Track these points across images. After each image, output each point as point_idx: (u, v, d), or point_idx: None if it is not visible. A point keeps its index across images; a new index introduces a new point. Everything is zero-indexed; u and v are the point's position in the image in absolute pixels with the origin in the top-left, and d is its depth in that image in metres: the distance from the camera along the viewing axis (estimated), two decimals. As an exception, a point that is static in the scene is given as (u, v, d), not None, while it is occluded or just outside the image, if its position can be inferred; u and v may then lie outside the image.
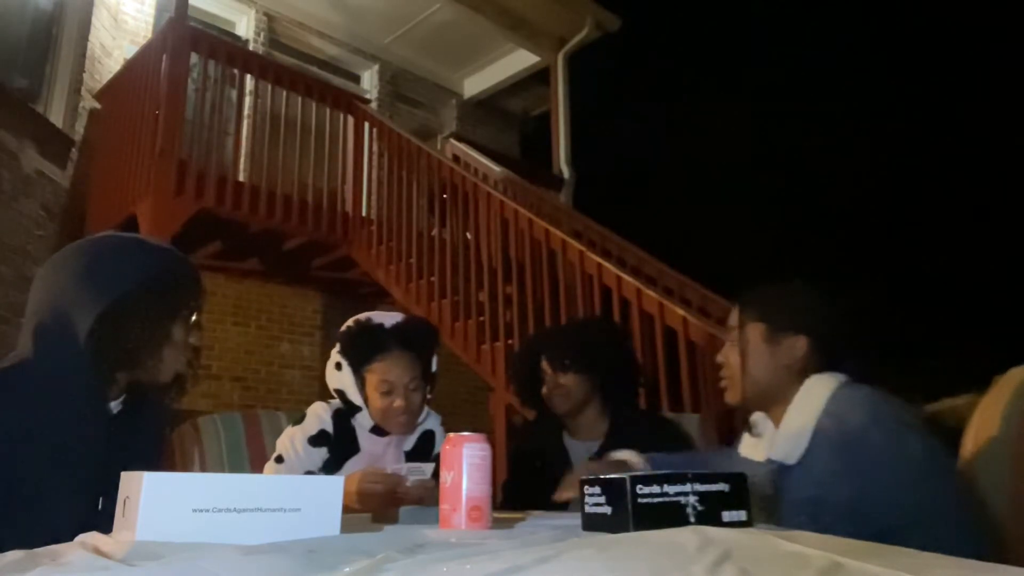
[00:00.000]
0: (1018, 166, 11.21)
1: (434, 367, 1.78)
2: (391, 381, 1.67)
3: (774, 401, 1.31)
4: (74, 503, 1.08)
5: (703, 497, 0.90)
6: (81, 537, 0.78)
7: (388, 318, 1.77)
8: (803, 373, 1.28)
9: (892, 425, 1.17)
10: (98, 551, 0.68)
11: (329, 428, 1.72)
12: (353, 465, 1.70)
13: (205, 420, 2.11)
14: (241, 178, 4.60)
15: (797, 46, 12.94)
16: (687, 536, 0.76)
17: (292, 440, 1.71)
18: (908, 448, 1.14)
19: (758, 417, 1.37)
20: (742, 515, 0.92)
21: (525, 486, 1.92)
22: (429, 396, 1.78)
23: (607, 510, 0.92)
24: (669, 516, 0.87)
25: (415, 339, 1.74)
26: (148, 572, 0.60)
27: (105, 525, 0.81)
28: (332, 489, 0.85)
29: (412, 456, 1.75)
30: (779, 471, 1.27)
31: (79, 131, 4.81)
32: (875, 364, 1.29)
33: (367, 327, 1.74)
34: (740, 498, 0.93)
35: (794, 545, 0.71)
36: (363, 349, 1.71)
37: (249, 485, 0.81)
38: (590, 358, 1.95)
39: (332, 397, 1.80)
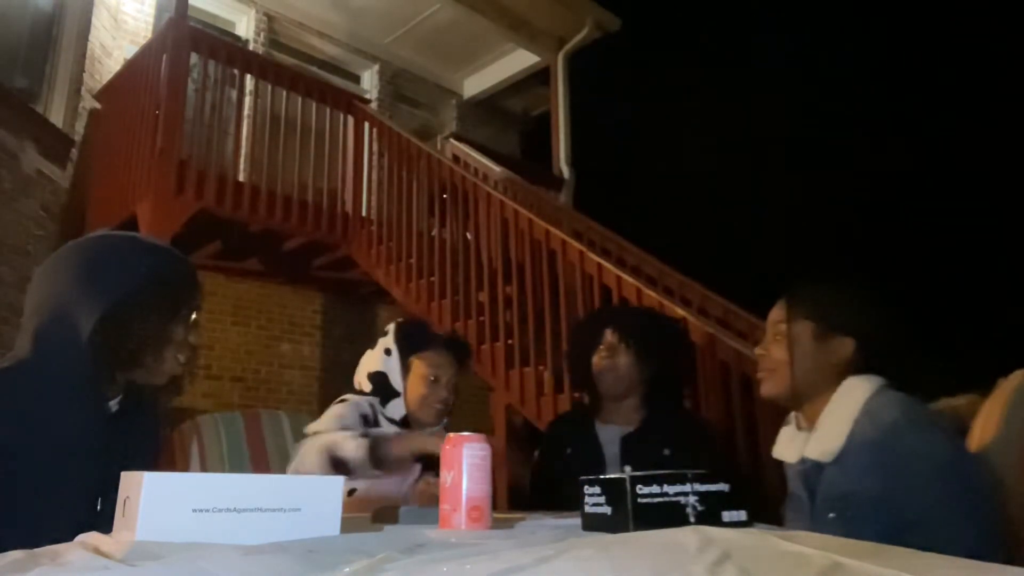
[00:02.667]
0: (1021, 164, 11.21)
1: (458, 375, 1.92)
2: (439, 371, 1.85)
3: (810, 399, 1.31)
4: (74, 503, 1.08)
5: (703, 497, 0.90)
6: (81, 537, 0.78)
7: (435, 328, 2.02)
8: (844, 374, 1.29)
9: (923, 424, 1.19)
10: (98, 551, 0.68)
11: (369, 414, 1.81)
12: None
13: (205, 419, 2.11)
14: (241, 178, 4.60)
15: (798, 45, 12.94)
16: (687, 536, 0.76)
17: (344, 413, 1.77)
18: (935, 446, 1.16)
19: (794, 416, 1.38)
20: (742, 515, 0.92)
21: (554, 479, 1.91)
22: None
23: (607, 510, 0.92)
24: (669, 516, 0.87)
25: (459, 348, 1.95)
26: (148, 572, 0.60)
27: (105, 525, 0.81)
28: (332, 489, 0.85)
29: (421, 459, 1.78)
30: (812, 471, 1.28)
31: (79, 131, 4.81)
32: (918, 370, 1.30)
33: (422, 323, 2.00)
34: (740, 498, 0.93)
35: (794, 545, 0.71)
36: (418, 340, 1.89)
37: (249, 485, 0.81)
38: (654, 347, 1.96)
39: (336, 400, 1.86)
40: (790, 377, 1.33)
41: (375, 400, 1.85)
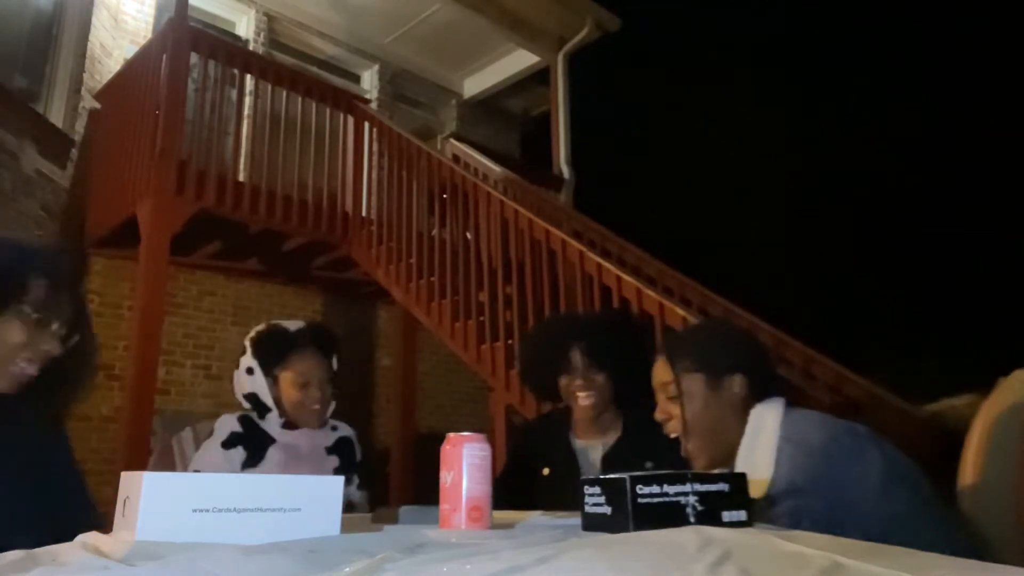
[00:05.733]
0: (1021, 165, 11.21)
1: (335, 366, 1.92)
2: (306, 376, 1.84)
3: (733, 447, 1.29)
4: None
5: (703, 497, 0.90)
6: (81, 537, 0.78)
7: (292, 324, 1.94)
8: (745, 409, 1.29)
9: (848, 439, 1.17)
10: (98, 551, 0.68)
11: (238, 429, 1.83)
12: (272, 454, 1.80)
13: (202, 427, 2.11)
14: (241, 178, 4.60)
15: (797, 46, 12.94)
16: (687, 536, 0.76)
17: (208, 453, 1.79)
18: (867, 459, 1.14)
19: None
20: (742, 515, 0.92)
21: (520, 486, 1.83)
22: (335, 392, 1.91)
23: (607, 510, 0.92)
24: (669, 516, 0.87)
25: (320, 341, 1.91)
26: (148, 572, 0.60)
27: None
28: (332, 489, 0.85)
29: (332, 452, 1.88)
30: None
31: (79, 131, 4.81)
32: (790, 384, 1.32)
33: (277, 331, 1.91)
34: (740, 498, 0.93)
35: (794, 545, 0.71)
36: (276, 351, 1.87)
37: (249, 485, 0.81)
38: (626, 358, 1.82)
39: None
40: (699, 436, 1.32)
41: (253, 413, 1.88)
